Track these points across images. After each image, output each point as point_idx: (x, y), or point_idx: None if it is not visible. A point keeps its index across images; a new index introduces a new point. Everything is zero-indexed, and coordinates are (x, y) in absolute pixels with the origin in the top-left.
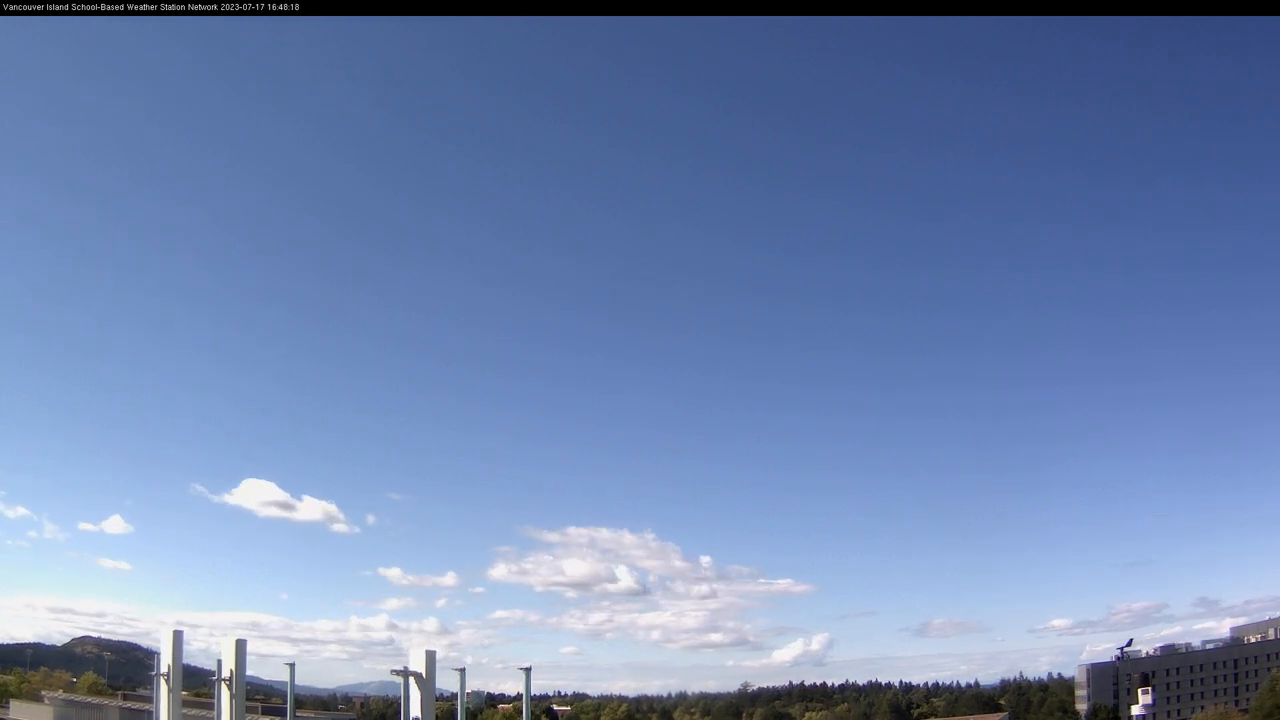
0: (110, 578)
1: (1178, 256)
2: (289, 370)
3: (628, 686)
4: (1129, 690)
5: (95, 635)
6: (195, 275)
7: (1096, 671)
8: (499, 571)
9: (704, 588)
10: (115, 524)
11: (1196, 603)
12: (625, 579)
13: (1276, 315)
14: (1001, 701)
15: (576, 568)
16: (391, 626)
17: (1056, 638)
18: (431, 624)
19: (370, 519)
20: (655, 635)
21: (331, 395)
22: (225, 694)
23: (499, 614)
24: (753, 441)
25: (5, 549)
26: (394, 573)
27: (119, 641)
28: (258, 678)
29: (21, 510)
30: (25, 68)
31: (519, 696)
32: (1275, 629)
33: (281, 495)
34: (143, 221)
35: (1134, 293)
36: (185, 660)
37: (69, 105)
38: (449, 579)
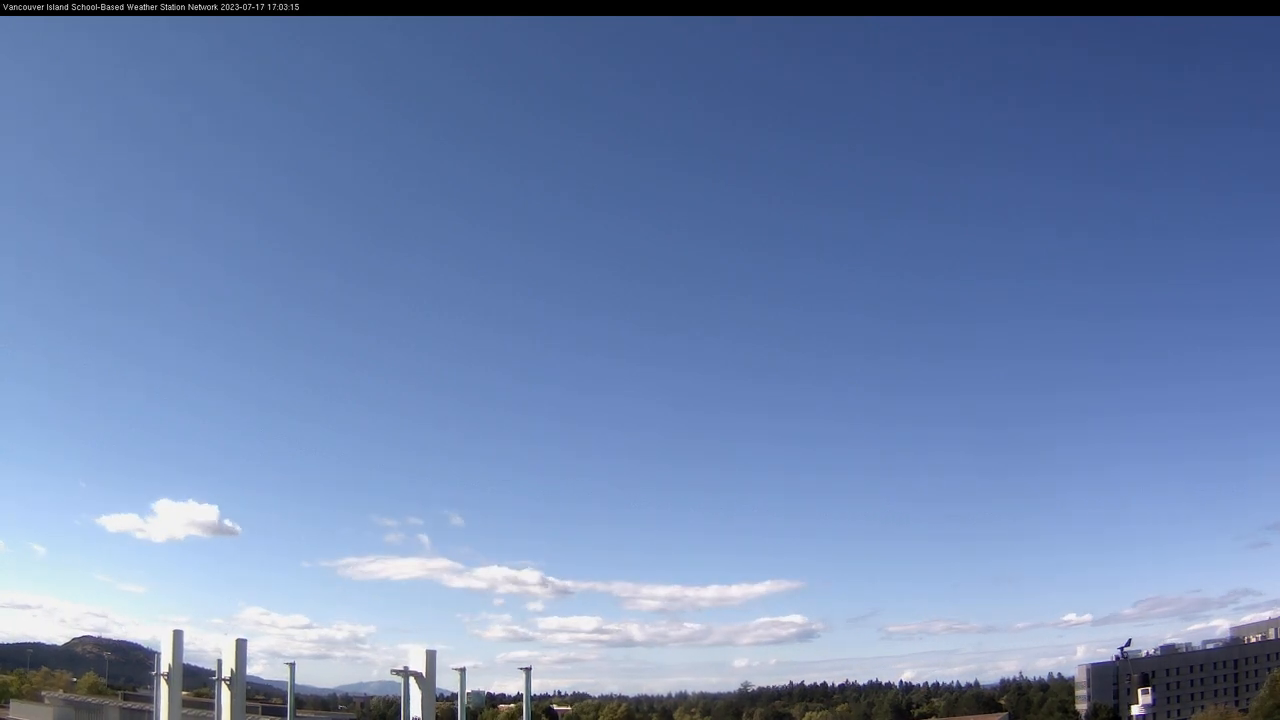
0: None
1: (1183, 261)
2: (288, 366)
3: (628, 685)
4: (1129, 690)
5: (95, 635)
6: (199, 267)
7: (1096, 671)
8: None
9: (703, 587)
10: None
11: (1201, 602)
12: (628, 580)
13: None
14: (1002, 701)
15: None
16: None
17: (1049, 638)
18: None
19: None
20: (656, 634)
21: (335, 392)
22: (225, 694)
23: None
24: (753, 443)
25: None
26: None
27: (119, 641)
28: (258, 678)
29: None
30: (28, 65)
31: (519, 696)
32: (1275, 629)
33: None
34: (151, 215)
35: (1139, 298)
36: (185, 660)
37: (79, 96)
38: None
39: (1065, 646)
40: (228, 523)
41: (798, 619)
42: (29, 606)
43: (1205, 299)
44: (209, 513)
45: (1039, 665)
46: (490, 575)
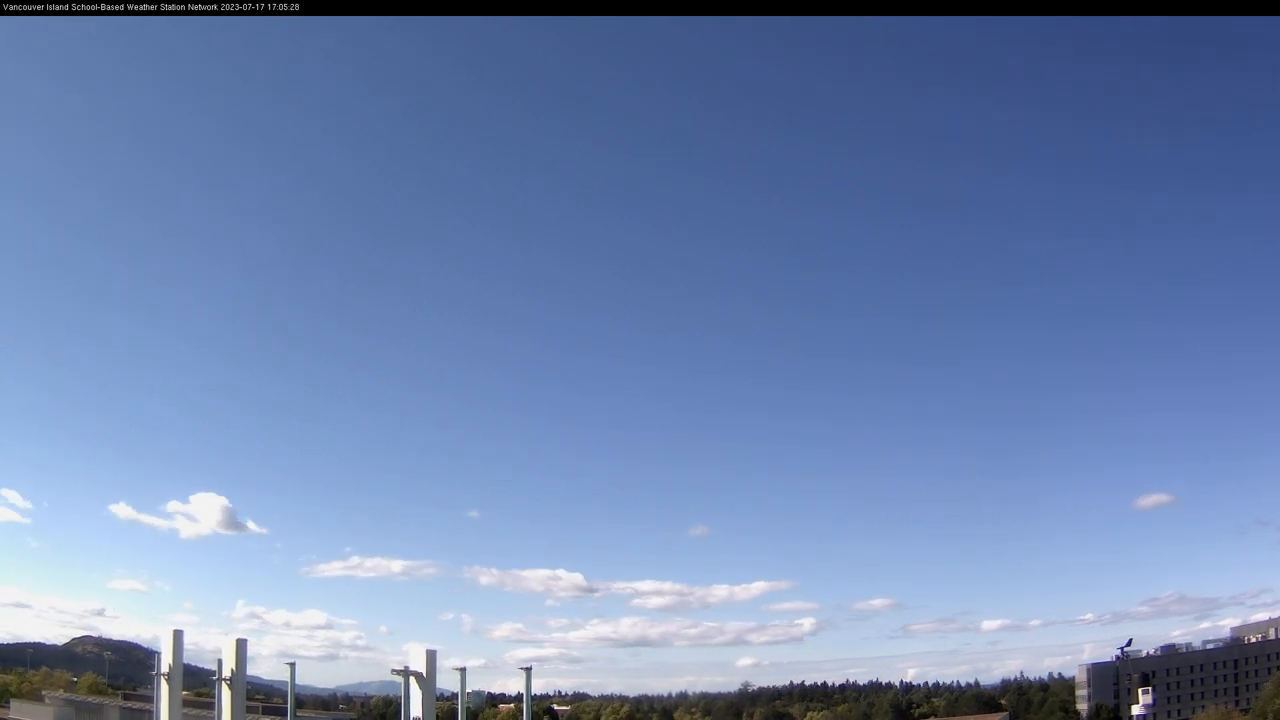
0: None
1: (1183, 262)
2: (288, 366)
3: (635, 685)
4: (1129, 690)
5: (95, 635)
6: (198, 266)
7: (1097, 671)
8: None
9: (708, 587)
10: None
11: (1211, 601)
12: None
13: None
14: (1002, 701)
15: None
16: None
17: (1059, 637)
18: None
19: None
20: (662, 634)
21: (335, 392)
22: (225, 694)
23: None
24: (753, 443)
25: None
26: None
27: (119, 641)
28: (258, 678)
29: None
30: (29, 65)
31: (519, 696)
32: (1275, 629)
33: None
34: (151, 215)
35: (1141, 298)
36: (185, 660)
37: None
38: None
39: (1073, 646)
40: (250, 524)
41: (802, 619)
42: (29, 606)
43: (1208, 299)
44: (211, 512)
45: (1045, 664)
46: (494, 575)
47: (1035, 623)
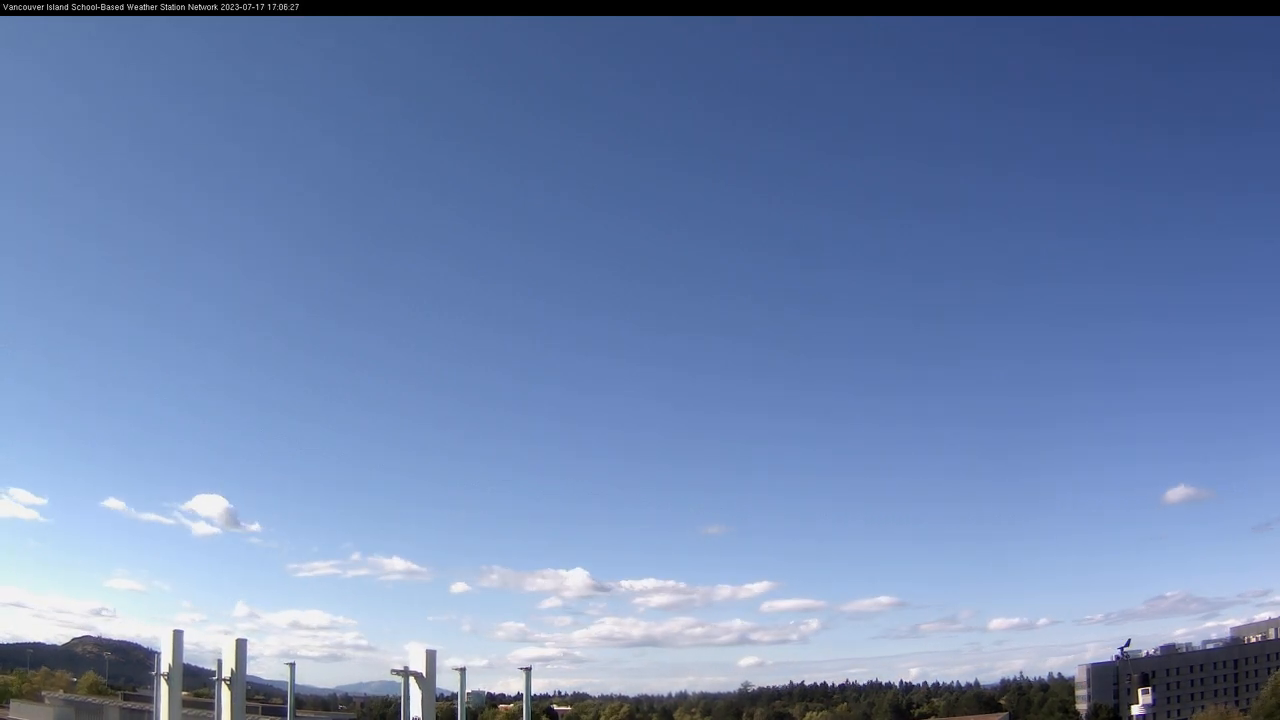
0: None
1: (1184, 262)
2: (288, 365)
3: (637, 685)
4: (1129, 690)
5: (95, 635)
6: (198, 266)
7: (1097, 671)
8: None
9: (710, 587)
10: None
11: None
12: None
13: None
14: (1002, 701)
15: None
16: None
17: (1064, 637)
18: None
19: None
20: (665, 634)
21: (335, 392)
22: (225, 694)
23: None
24: (754, 443)
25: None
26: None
27: (119, 641)
28: (258, 678)
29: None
30: (29, 64)
31: (519, 696)
32: (1275, 629)
33: None
34: (151, 214)
35: (1142, 299)
36: (185, 660)
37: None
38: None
39: (1077, 645)
40: (250, 524)
41: (803, 618)
42: (29, 606)
43: (1208, 299)
44: (211, 512)
45: (1048, 664)
46: (496, 575)
47: (1043, 622)
